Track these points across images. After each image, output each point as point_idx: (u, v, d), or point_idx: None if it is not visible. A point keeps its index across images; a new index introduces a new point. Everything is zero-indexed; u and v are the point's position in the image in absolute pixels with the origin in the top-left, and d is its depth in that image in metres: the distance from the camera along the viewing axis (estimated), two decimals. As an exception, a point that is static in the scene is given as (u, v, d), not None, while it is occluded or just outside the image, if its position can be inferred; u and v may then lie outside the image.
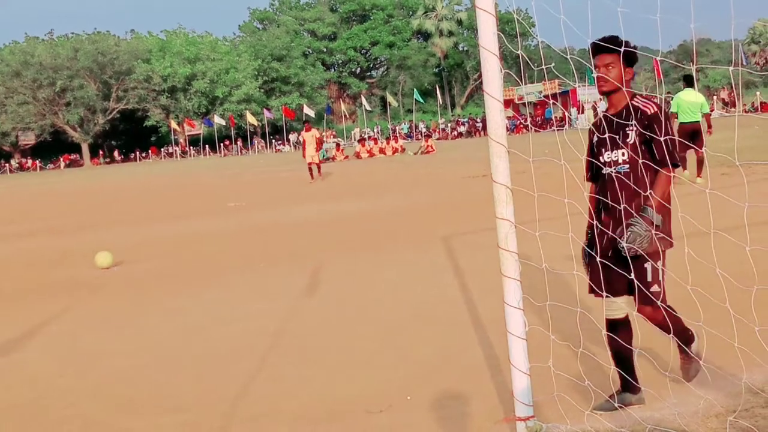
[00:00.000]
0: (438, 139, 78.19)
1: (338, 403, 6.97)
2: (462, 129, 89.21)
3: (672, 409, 5.76)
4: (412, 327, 9.27)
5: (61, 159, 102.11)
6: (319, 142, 36.39)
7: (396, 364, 7.92)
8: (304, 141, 36.34)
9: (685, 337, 5.98)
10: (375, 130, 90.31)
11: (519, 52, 5.59)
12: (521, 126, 70.77)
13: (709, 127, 20.78)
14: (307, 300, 11.16)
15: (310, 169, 35.65)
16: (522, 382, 5.71)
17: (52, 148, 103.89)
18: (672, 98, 21.78)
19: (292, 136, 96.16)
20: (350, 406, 6.86)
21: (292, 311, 10.53)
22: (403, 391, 7.05)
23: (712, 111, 58.75)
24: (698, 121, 20.39)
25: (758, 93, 72.22)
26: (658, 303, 5.69)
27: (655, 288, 5.71)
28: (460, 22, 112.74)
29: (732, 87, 70.41)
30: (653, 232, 5.48)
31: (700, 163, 19.84)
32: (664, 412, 5.74)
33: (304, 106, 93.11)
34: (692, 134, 19.71)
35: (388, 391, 7.08)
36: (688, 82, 21.72)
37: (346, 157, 57.84)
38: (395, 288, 11.59)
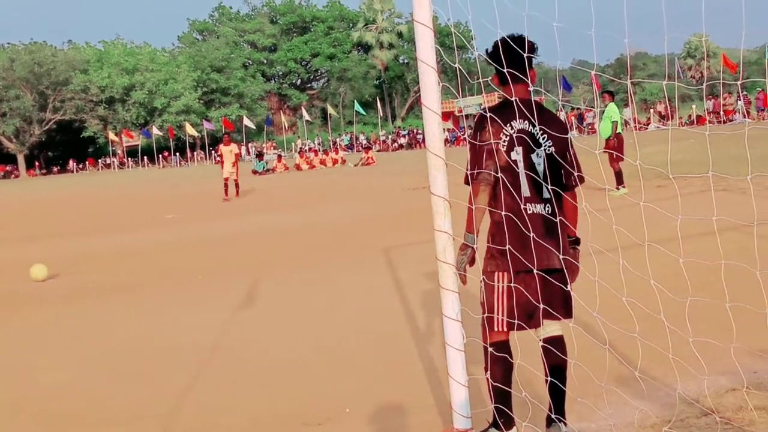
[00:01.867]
0: (378, 150, 78.33)
1: (276, 416, 6.96)
2: (402, 141, 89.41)
3: (607, 420, 5.81)
4: (351, 340, 9.28)
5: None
6: (237, 158, 34.40)
7: (335, 378, 7.92)
8: (221, 155, 34.35)
9: (493, 392, 5.67)
10: (315, 142, 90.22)
11: (456, 65, 5.61)
12: (461, 138, 71.11)
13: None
14: (245, 313, 11.11)
15: (226, 186, 33.61)
16: (460, 394, 5.71)
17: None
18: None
19: (235, 147, 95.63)
20: (288, 419, 6.85)
21: (230, 325, 10.48)
22: (342, 404, 7.05)
23: (648, 124, 59.13)
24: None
25: (694, 106, 73.20)
26: (486, 332, 5.65)
27: (485, 313, 5.65)
28: (400, 35, 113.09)
29: (667, 100, 71.34)
30: (466, 253, 5.46)
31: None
32: (600, 423, 5.79)
33: (244, 117, 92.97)
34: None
35: (326, 404, 7.08)
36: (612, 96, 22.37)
37: (287, 168, 57.73)
38: (334, 301, 11.59)
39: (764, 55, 61.72)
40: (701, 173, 5.48)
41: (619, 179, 20.65)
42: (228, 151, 33.70)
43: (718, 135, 5.67)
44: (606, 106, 22.23)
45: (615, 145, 20.93)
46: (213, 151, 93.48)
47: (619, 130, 21.71)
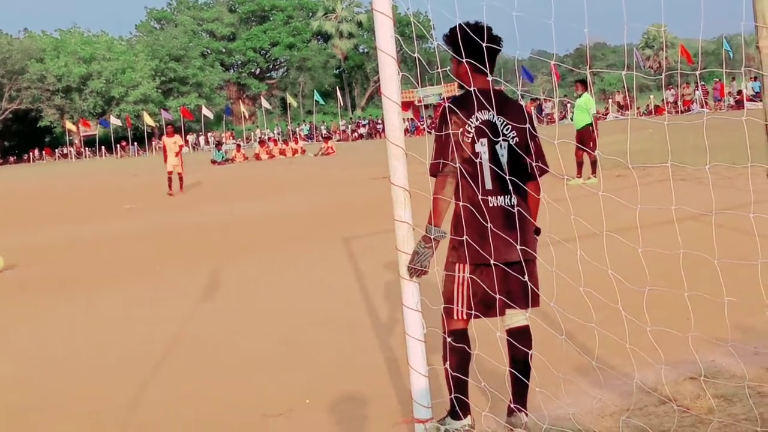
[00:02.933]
0: (338, 140, 78.27)
1: (236, 407, 6.94)
2: (362, 131, 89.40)
3: (567, 409, 5.84)
4: (312, 330, 9.27)
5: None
6: (181, 149, 31.88)
7: (295, 368, 7.91)
8: (164, 147, 31.72)
9: (451, 382, 5.71)
10: (275, 132, 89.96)
11: (416, 54, 5.60)
12: (421, 128, 71.18)
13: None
14: (204, 304, 11.07)
15: (170, 180, 31.21)
16: (420, 384, 5.73)
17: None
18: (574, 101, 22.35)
19: (191, 137, 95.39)
20: (248, 410, 6.84)
21: (189, 316, 10.43)
22: (303, 394, 7.04)
23: (606, 114, 59.58)
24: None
25: (652, 96, 73.65)
26: (445, 321, 5.68)
27: (443, 303, 5.69)
28: (360, 24, 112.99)
29: (626, 90, 71.73)
30: (432, 246, 5.41)
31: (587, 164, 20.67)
32: (559, 412, 5.82)
33: (203, 106, 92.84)
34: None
35: (286, 395, 7.07)
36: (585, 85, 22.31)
37: (246, 158, 57.51)
38: (294, 291, 11.58)
39: (722, 45, 62.34)
40: (660, 163, 5.52)
41: (594, 168, 20.66)
42: (171, 142, 31.39)
43: (676, 125, 5.70)
44: (579, 96, 22.20)
45: (593, 137, 20.97)
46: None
47: (590, 120, 21.67)
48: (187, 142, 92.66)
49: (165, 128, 35.55)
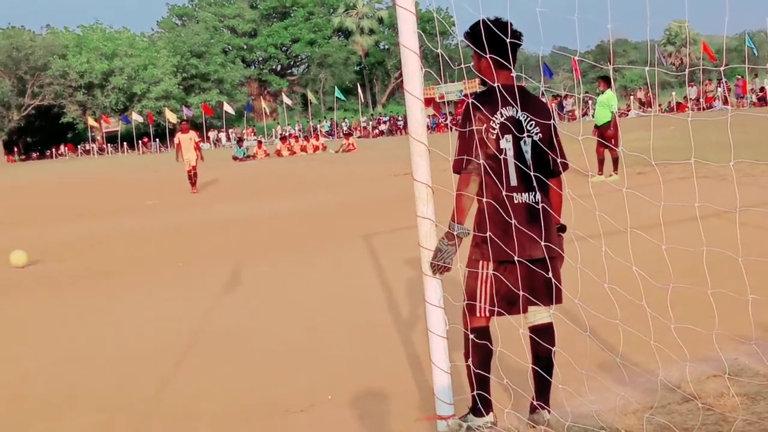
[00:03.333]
0: (359, 137, 78.24)
1: (258, 402, 6.95)
2: (383, 127, 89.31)
3: (589, 407, 5.83)
4: (334, 327, 9.27)
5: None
6: (197, 147, 30.42)
7: (317, 364, 7.92)
8: (179, 144, 30.60)
9: (473, 378, 5.71)
10: (296, 128, 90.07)
11: (439, 50, 5.60)
12: (442, 124, 71.12)
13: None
14: (225, 300, 11.08)
15: (190, 177, 30.30)
16: (443, 381, 5.73)
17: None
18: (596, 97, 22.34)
19: (212, 134, 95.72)
20: (270, 405, 6.84)
21: (211, 311, 10.46)
22: (325, 390, 7.05)
23: (628, 111, 59.52)
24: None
25: (674, 93, 73.38)
26: (467, 318, 5.69)
27: (466, 300, 5.68)
28: (381, 21, 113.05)
29: (648, 87, 71.49)
30: (455, 243, 5.42)
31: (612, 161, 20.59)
32: (582, 410, 5.81)
33: (224, 103, 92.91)
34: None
35: (309, 391, 7.07)
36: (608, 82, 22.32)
37: (267, 155, 57.61)
38: (316, 287, 11.59)
39: (744, 42, 61.97)
40: (682, 160, 5.49)
41: (615, 165, 20.64)
42: (187, 139, 30.23)
43: (698, 122, 5.68)
44: (602, 92, 22.26)
45: (615, 133, 21.00)
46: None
47: (609, 118, 21.66)
48: (208, 138, 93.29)
49: (180, 125, 34.61)
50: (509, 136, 5.50)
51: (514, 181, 5.49)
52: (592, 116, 22.90)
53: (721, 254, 5.48)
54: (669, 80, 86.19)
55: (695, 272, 5.50)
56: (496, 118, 5.50)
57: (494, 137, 5.48)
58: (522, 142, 5.53)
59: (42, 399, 7.54)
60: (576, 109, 64.19)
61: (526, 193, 5.51)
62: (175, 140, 32.16)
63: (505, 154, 5.49)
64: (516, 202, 5.48)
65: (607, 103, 21.67)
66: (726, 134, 4.91)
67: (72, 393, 7.66)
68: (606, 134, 20.78)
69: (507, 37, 5.44)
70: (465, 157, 5.47)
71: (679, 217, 6.08)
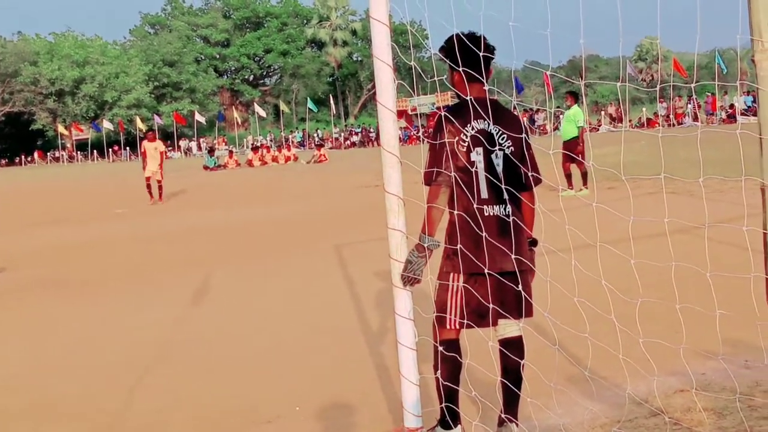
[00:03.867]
0: (331, 148, 78.24)
1: (226, 414, 6.94)
2: (355, 138, 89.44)
3: (558, 420, 5.85)
4: (303, 337, 9.27)
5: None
6: (162, 156, 29.78)
7: (286, 375, 7.91)
8: (144, 152, 29.91)
9: (442, 391, 5.73)
10: (268, 138, 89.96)
11: (412, 63, 5.61)
12: (414, 137, 71.22)
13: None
14: (193, 309, 11.06)
15: (149, 186, 29.76)
16: (411, 393, 5.73)
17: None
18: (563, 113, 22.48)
19: (183, 143, 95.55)
20: (238, 417, 6.83)
21: (181, 321, 10.43)
22: (292, 401, 7.04)
23: (599, 126, 59.55)
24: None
25: (644, 109, 73.88)
26: (437, 330, 5.69)
27: (436, 312, 5.71)
28: (354, 32, 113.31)
29: (619, 103, 71.98)
30: (426, 255, 5.44)
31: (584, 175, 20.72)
32: (550, 423, 5.83)
33: (196, 112, 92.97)
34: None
35: (277, 402, 7.07)
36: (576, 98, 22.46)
37: (238, 164, 57.53)
38: (286, 297, 11.58)
39: (714, 59, 62.42)
40: (652, 175, 5.54)
41: (585, 179, 20.74)
42: (152, 147, 29.68)
43: (668, 137, 5.73)
44: (569, 107, 22.35)
45: (582, 149, 21.14)
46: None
47: (576, 134, 21.78)
48: (179, 147, 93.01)
49: (146, 133, 33.96)
50: (480, 149, 5.52)
51: (484, 194, 5.52)
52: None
53: (689, 269, 5.51)
54: (640, 96, 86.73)
55: (663, 287, 5.54)
56: (468, 131, 5.52)
57: (465, 149, 5.50)
58: (493, 155, 5.55)
59: (5, 408, 7.50)
60: (547, 124, 64.45)
61: (497, 206, 5.53)
62: (141, 147, 31.59)
63: (476, 167, 5.51)
64: (487, 214, 5.50)
65: (573, 119, 21.80)
66: (695, 150, 4.95)
67: (36, 401, 7.61)
68: (574, 150, 20.88)
69: (480, 51, 5.48)
70: (435, 169, 5.49)
71: (648, 232, 6.11)
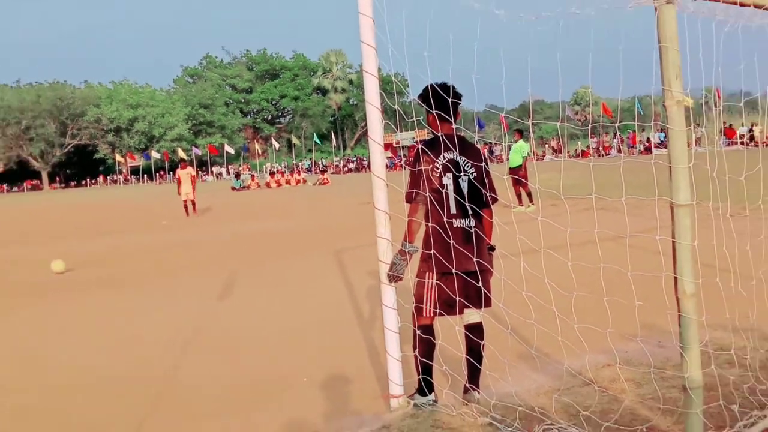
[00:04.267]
0: (332, 173, 78.23)
1: (250, 385, 6.91)
2: (352, 165, 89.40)
3: (510, 388, 5.85)
4: (308, 324, 9.24)
5: (25, 184, 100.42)
6: (193, 180, 29.90)
7: (295, 354, 7.88)
8: (179, 178, 30.08)
9: (419, 365, 5.72)
10: (282, 165, 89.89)
11: (396, 106, 5.63)
12: (398, 165, 71.11)
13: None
14: (221, 302, 11.01)
15: (185, 205, 29.72)
16: (395, 367, 5.74)
17: (17, 175, 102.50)
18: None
19: (215, 169, 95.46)
20: (257, 386, 6.81)
21: (210, 311, 10.39)
22: (301, 374, 7.02)
23: (543, 156, 59.50)
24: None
25: (579, 143, 74.27)
26: (415, 318, 5.69)
27: (415, 303, 5.71)
28: (351, 82, 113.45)
29: (559, 138, 72.11)
30: (407, 258, 5.53)
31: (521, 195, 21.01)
32: (504, 391, 5.81)
33: (225, 144, 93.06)
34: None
35: (288, 375, 7.05)
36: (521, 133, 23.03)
37: (259, 186, 57.45)
38: (294, 292, 11.54)
39: (634, 104, 62.53)
40: (585, 195, 5.54)
41: (530, 198, 20.96)
42: (185, 174, 29.70)
43: (598, 166, 5.75)
44: (516, 141, 22.75)
45: (525, 174, 21.58)
46: (199, 171, 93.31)
47: (520, 162, 22.23)
48: (212, 172, 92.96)
49: (179, 163, 33.31)
50: (450, 174, 5.56)
51: (453, 210, 5.55)
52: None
53: (615, 270, 5.52)
54: (576, 132, 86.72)
55: (594, 284, 5.54)
56: (440, 160, 5.56)
57: (438, 175, 5.54)
58: (460, 179, 5.59)
59: (67, 385, 7.46)
60: (503, 154, 64.42)
61: (463, 219, 5.56)
62: (176, 175, 31.33)
63: (447, 189, 5.55)
64: (455, 226, 5.53)
65: (519, 150, 22.24)
66: (619, 176, 4.95)
67: (100, 376, 7.58)
68: (519, 174, 21.28)
69: (449, 98, 5.51)
70: (414, 190, 5.54)
71: (582, 240, 6.11)
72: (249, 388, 6.79)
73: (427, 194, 5.51)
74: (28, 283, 14.33)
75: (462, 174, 5.60)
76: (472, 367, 5.72)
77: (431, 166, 5.54)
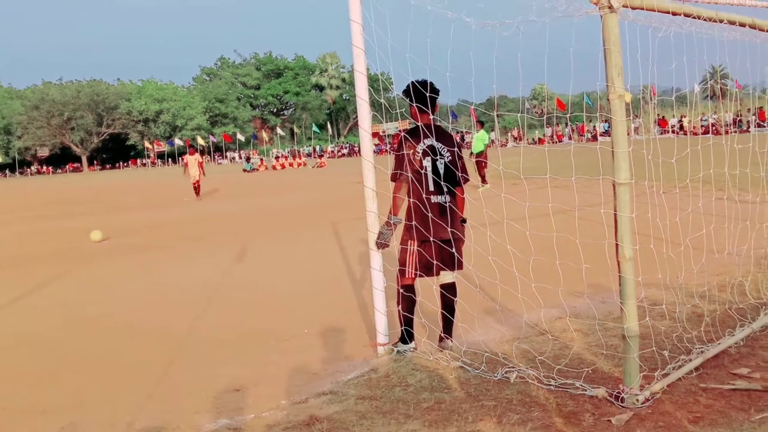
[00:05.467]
0: (328, 157, 77.93)
1: (258, 333, 6.92)
2: (345, 151, 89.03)
3: (479, 338, 5.88)
4: (309, 283, 9.25)
5: (67, 167, 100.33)
6: (201, 165, 26.90)
7: (297, 308, 7.89)
8: (186, 163, 27.33)
9: (401, 319, 5.72)
10: (286, 151, 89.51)
11: (381, 100, 5.61)
12: (384, 150, 70.96)
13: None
14: (236, 264, 11.01)
15: (195, 188, 27.05)
16: (381, 321, 5.76)
17: (61, 159, 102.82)
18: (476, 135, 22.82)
19: (229, 154, 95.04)
20: (266, 335, 6.82)
21: (227, 272, 10.38)
22: (302, 326, 7.03)
23: (506, 143, 59.35)
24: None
25: (537, 132, 74.31)
26: (399, 279, 5.69)
27: (399, 267, 5.69)
28: (343, 80, 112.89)
29: (520, 128, 72.18)
30: (392, 228, 5.59)
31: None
32: (473, 340, 5.85)
33: (237, 133, 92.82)
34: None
35: (292, 326, 7.06)
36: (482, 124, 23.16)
37: (266, 168, 57.22)
38: (297, 257, 11.55)
39: (583, 98, 62.50)
40: (542, 175, 5.55)
41: (484, 180, 20.96)
42: (193, 159, 26.86)
43: (552, 151, 5.76)
44: (478, 131, 22.82)
45: (486, 157, 21.64)
46: (216, 156, 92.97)
47: (482, 148, 22.29)
48: (227, 156, 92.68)
49: (188, 149, 31.12)
50: (429, 158, 5.57)
51: (431, 188, 5.57)
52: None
53: (565, 238, 5.54)
54: (534, 123, 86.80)
55: (548, 250, 5.56)
56: (420, 146, 5.56)
57: (418, 158, 5.55)
58: (437, 162, 5.59)
59: (108, 328, 7.47)
60: (472, 141, 64.43)
61: (439, 196, 5.58)
62: (184, 160, 29.17)
63: (426, 170, 5.56)
64: (432, 201, 5.55)
65: (481, 138, 22.33)
66: (570, 159, 4.96)
67: (132, 324, 7.59)
68: (480, 158, 21.46)
69: (427, 93, 5.50)
70: (399, 171, 5.54)
71: (538, 213, 6.13)
72: (259, 336, 6.81)
73: (409, 174, 5.52)
74: (71, 249, 14.28)
75: (439, 157, 5.61)
76: (446, 320, 5.75)
77: (413, 150, 5.55)
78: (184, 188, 31.01)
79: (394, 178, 5.61)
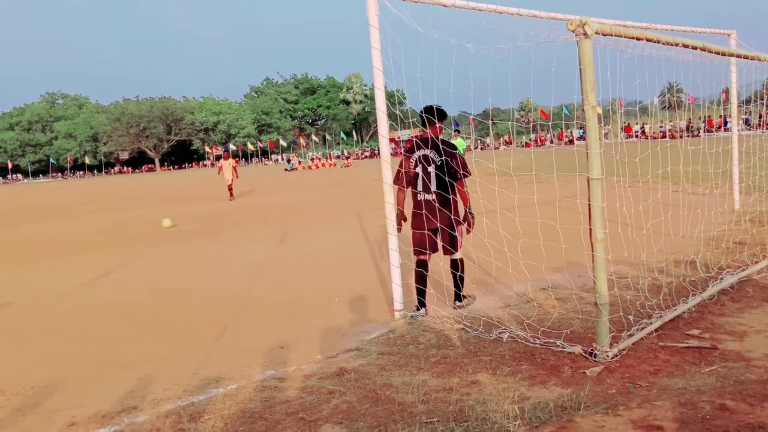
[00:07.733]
0: (354, 159, 77.91)
1: (295, 301, 6.95)
2: (367, 154, 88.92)
3: (478, 305, 5.87)
4: (338, 260, 9.27)
5: (143, 167, 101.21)
6: (234, 169, 24.12)
7: (329, 281, 7.91)
8: (221, 167, 24.18)
9: (415, 289, 5.79)
10: (320, 154, 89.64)
11: (397, 112, 5.60)
12: (399, 153, 70.90)
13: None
14: (278, 246, 11.05)
15: (230, 189, 23.77)
16: (398, 291, 5.77)
17: (138, 161, 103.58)
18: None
19: (274, 156, 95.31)
20: (302, 303, 6.85)
21: (270, 252, 10.42)
22: (333, 295, 7.05)
23: (499, 147, 58.97)
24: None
25: (524, 137, 73.89)
26: (413, 256, 5.79)
27: (413, 247, 5.85)
28: (366, 95, 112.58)
29: (510, 134, 71.82)
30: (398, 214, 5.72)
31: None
32: (473, 307, 5.84)
33: (280, 140, 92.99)
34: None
35: (324, 296, 7.08)
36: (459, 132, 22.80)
37: (304, 168, 57.29)
38: (327, 239, 11.56)
39: (562, 109, 62.03)
40: (528, 173, 5.52)
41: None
42: (227, 164, 23.97)
43: (537, 153, 5.73)
44: (455, 139, 22.43)
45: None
46: (262, 159, 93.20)
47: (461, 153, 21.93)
48: (272, 158, 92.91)
49: (223, 153, 27.48)
50: (420, 165, 5.77)
51: (421, 188, 5.77)
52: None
53: (548, 224, 5.51)
54: (521, 130, 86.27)
55: (534, 233, 5.54)
56: (415, 156, 5.82)
57: (413, 165, 5.78)
58: (430, 167, 5.75)
59: (173, 297, 7.52)
60: (471, 146, 64.17)
61: (429, 195, 5.75)
62: (219, 164, 25.64)
63: (418, 174, 5.75)
64: (418, 199, 5.77)
65: (459, 145, 21.93)
66: (551, 159, 4.93)
67: (192, 293, 7.64)
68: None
69: (424, 114, 5.73)
70: (397, 176, 5.80)
71: (526, 203, 6.10)
72: (299, 304, 6.83)
73: (410, 176, 5.79)
74: (147, 234, 14.39)
75: (430, 164, 5.72)
76: (456, 288, 5.88)
77: (408, 161, 5.79)
78: (237, 184, 31.21)
79: (395, 180, 5.79)
